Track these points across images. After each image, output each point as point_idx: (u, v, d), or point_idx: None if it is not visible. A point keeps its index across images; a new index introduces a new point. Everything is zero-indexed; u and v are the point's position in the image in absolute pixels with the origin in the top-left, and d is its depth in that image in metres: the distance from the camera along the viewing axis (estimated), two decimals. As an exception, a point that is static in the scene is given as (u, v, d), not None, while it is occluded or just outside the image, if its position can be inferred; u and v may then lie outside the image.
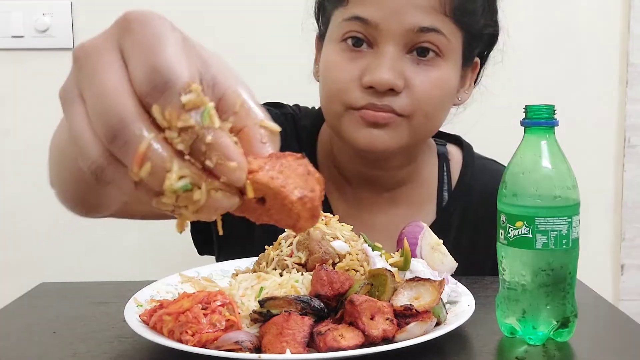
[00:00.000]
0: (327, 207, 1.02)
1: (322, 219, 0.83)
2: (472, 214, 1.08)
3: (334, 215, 0.86)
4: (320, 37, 1.04)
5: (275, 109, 1.11)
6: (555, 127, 0.70)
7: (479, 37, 1.01)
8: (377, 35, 0.93)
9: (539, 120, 0.69)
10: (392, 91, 0.93)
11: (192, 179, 0.38)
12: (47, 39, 1.71)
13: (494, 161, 1.17)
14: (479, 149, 1.20)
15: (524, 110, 0.71)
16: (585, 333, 0.72)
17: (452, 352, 0.69)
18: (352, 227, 0.85)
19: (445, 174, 1.12)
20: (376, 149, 0.96)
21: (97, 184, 0.41)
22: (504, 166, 1.11)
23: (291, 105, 1.16)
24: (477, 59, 1.05)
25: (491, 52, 1.08)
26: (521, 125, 0.71)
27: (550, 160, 0.69)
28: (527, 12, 1.75)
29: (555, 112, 0.70)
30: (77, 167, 0.47)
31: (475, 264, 0.98)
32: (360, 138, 0.95)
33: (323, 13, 1.03)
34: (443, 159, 1.13)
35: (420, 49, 0.94)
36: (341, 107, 0.96)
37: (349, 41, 0.95)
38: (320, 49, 1.03)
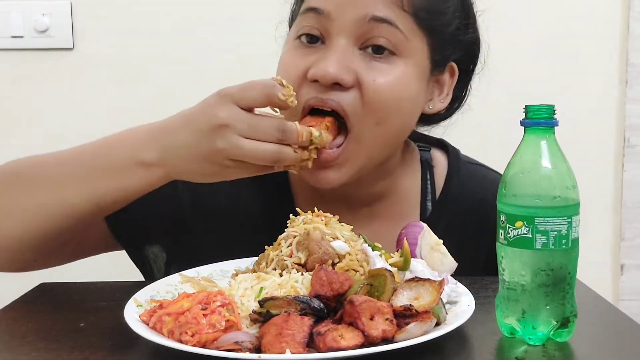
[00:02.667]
0: None
1: (322, 219, 0.83)
2: (459, 223, 1.03)
3: None
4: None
5: None
6: (555, 127, 0.70)
7: (451, 42, 0.95)
8: (329, 26, 0.89)
9: (538, 120, 0.69)
10: (339, 86, 0.88)
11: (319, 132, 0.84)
12: (47, 39, 1.71)
13: (483, 166, 1.11)
14: (478, 149, 1.19)
15: (523, 110, 0.71)
16: (585, 333, 0.72)
17: (452, 352, 0.69)
18: (351, 227, 0.85)
19: (428, 182, 1.06)
20: (327, 187, 0.92)
21: (275, 164, 0.80)
22: (494, 171, 1.10)
23: None
24: (453, 64, 0.99)
25: (477, 63, 1.03)
26: (521, 125, 0.71)
27: (550, 160, 0.69)
28: (527, 12, 1.75)
29: (555, 112, 0.70)
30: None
31: (461, 273, 0.95)
32: (308, 179, 0.92)
33: (293, 19, 1.00)
34: (426, 166, 1.07)
35: (375, 46, 0.89)
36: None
37: (303, 38, 0.92)
38: None
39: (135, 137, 0.85)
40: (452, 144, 1.14)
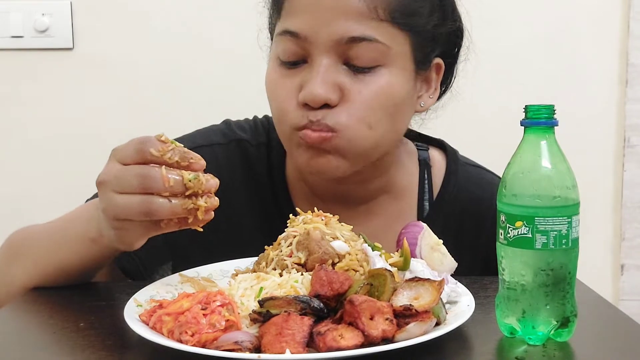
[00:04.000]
0: None
1: (322, 219, 0.83)
2: (455, 223, 1.04)
3: None
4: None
5: (245, 134, 1.08)
6: (555, 127, 0.70)
7: (432, 38, 0.95)
8: (309, 47, 0.89)
9: (538, 120, 0.69)
10: (327, 106, 0.88)
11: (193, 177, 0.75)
12: (47, 39, 1.71)
13: (481, 167, 1.12)
14: (478, 149, 1.19)
15: (523, 110, 0.71)
16: (585, 333, 0.72)
17: (452, 352, 0.69)
18: (351, 227, 0.85)
19: (426, 182, 1.07)
20: (320, 173, 0.92)
21: (150, 217, 0.74)
22: (492, 173, 1.11)
23: (260, 118, 1.12)
24: (439, 60, 0.98)
25: (460, 53, 1.03)
26: (521, 125, 0.71)
27: (550, 160, 0.69)
28: (526, 11, 1.75)
29: (555, 112, 0.70)
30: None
31: (458, 273, 0.95)
32: (304, 162, 0.92)
33: (270, 26, 1.00)
34: (424, 165, 1.08)
35: (357, 59, 0.89)
36: (288, 128, 0.92)
37: (284, 60, 0.91)
38: None
39: (87, 214, 0.87)
40: (452, 144, 1.14)
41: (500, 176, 0.72)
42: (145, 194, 0.73)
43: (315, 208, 0.86)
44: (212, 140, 1.06)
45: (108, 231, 0.79)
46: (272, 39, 1.00)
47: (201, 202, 0.75)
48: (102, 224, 0.80)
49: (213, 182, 0.76)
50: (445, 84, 1.05)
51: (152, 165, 0.74)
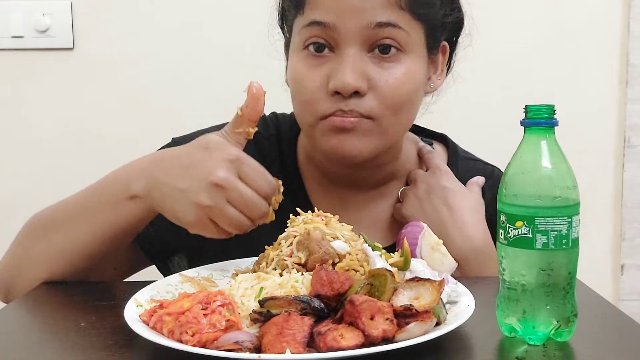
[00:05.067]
0: (310, 207, 1.03)
1: (322, 219, 0.84)
2: None
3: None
4: (287, 45, 1.04)
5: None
6: (555, 127, 0.70)
7: (441, 27, 1.01)
8: (336, 36, 0.93)
9: (538, 120, 0.69)
10: (357, 94, 0.93)
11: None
12: (47, 39, 1.71)
13: (480, 161, 1.16)
14: (478, 149, 1.20)
15: (524, 110, 0.71)
16: (585, 333, 0.72)
17: (452, 352, 0.69)
18: (352, 227, 0.85)
19: None
20: (348, 155, 0.96)
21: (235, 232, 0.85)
22: (492, 166, 1.15)
23: (267, 114, 1.15)
24: (444, 43, 1.05)
25: (460, 37, 1.08)
26: (521, 125, 0.71)
27: (550, 160, 0.69)
28: (527, 11, 1.75)
29: (555, 112, 0.70)
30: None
31: None
32: (332, 146, 0.96)
33: (286, 22, 1.04)
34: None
35: (381, 47, 0.94)
36: (312, 118, 0.96)
37: (311, 47, 0.95)
38: (288, 57, 1.03)
39: (128, 172, 0.91)
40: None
41: (501, 168, 0.73)
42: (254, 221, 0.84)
43: (319, 210, 0.87)
44: None
45: (172, 204, 0.84)
46: (286, 35, 1.04)
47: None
48: (163, 189, 0.85)
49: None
50: (447, 65, 1.10)
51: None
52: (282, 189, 0.88)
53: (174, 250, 1.10)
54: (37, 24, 1.70)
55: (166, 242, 1.05)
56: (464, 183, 1.08)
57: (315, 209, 0.86)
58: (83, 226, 0.92)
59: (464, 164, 1.12)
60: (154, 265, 1.11)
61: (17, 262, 0.97)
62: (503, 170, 1.07)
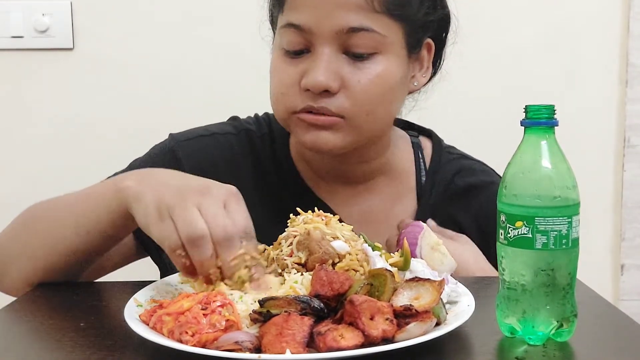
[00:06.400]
0: (315, 201, 1.04)
1: (322, 219, 0.83)
2: (440, 209, 1.10)
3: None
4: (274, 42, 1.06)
5: (250, 126, 1.14)
6: (555, 127, 0.70)
7: (423, 25, 1.01)
8: (311, 38, 0.95)
9: (538, 120, 0.69)
10: (327, 92, 0.95)
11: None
12: (47, 39, 1.71)
13: (467, 158, 1.17)
14: (478, 149, 1.20)
15: (523, 110, 0.71)
16: (585, 333, 0.72)
17: (452, 352, 0.69)
18: (352, 227, 0.85)
19: (421, 161, 1.14)
20: (322, 150, 0.98)
21: (189, 246, 0.74)
22: (475, 160, 1.16)
23: (260, 114, 1.18)
24: (429, 41, 1.05)
25: (448, 35, 1.09)
26: (521, 125, 0.71)
27: (550, 160, 0.69)
28: (527, 11, 1.75)
29: (555, 112, 0.70)
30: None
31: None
32: (306, 140, 0.98)
33: (272, 20, 1.06)
34: (417, 147, 1.15)
35: (355, 51, 0.95)
36: (285, 112, 0.99)
37: (288, 49, 0.97)
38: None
39: (124, 175, 0.89)
40: (452, 143, 1.18)
41: (501, 168, 0.73)
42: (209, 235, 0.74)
43: (316, 209, 0.86)
44: (226, 130, 1.14)
45: (148, 202, 0.79)
46: (273, 31, 1.06)
47: (220, 286, 0.75)
48: (149, 193, 0.80)
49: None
50: (435, 66, 1.11)
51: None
52: (260, 251, 0.79)
53: None
54: (36, 24, 1.70)
55: None
56: (446, 175, 1.11)
57: (315, 208, 0.86)
58: (69, 221, 0.92)
59: (446, 157, 1.14)
60: (150, 257, 1.11)
61: (5, 246, 0.98)
62: (490, 168, 1.10)
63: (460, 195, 1.11)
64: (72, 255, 0.93)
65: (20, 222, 0.99)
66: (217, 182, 0.82)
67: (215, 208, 0.76)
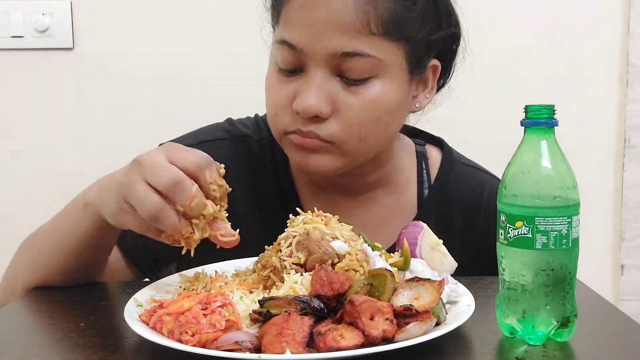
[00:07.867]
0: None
1: (322, 219, 0.83)
2: (446, 221, 1.05)
3: None
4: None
5: (247, 130, 1.11)
6: (555, 127, 0.70)
7: (426, 44, 0.96)
8: (304, 59, 0.91)
9: (538, 120, 0.69)
10: (318, 118, 0.91)
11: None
12: (47, 39, 1.71)
13: (477, 169, 1.12)
14: (478, 149, 1.20)
15: (523, 110, 0.71)
16: (585, 333, 0.72)
17: (452, 352, 0.69)
18: (351, 227, 0.85)
19: (424, 172, 1.09)
20: (313, 172, 0.96)
21: (154, 222, 0.74)
22: (488, 173, 1.12)
23: (260, 115, 1.14)
24: (435, 62, 1.00)
25: (457, 52, 1.04)
26: (521, 125, 0.71)
27: (550, 160, 0.69)
28: (527, 11, 1.75)
29: (555, 112, 0.70)
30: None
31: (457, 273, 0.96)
32: (296, 162, 0.96)
33: (273, 25, 1.02)
34: (421, 157, 1.10)
35: (348, 76, 0.91)
36: (277, 132, 0.97)
37: (282, 67, 0.94)
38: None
39: (90, 187, 0.92)
40: (452, 144, 1.15)
41: (497, 175, 0.72)
42: (164, 199, 0.73)
43: (316, 208, 0.86)
44: (217, 135, 1.09)
45: (109, 202, 0.80)
46: (274, 29, 1.02)
47: (197, 235, 0.75)
48: (106, 194, 0.81)
49: (225, 230, 0.77)
50: (442, 81, 1.06)
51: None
52: (223, 172, 0.78)
53: (164, 263, 1.07)
54: (36, 23, 1.70)
55: (157, 259, 1.05)
56: (456, 188, 1.06)
57: (315, 209, 0.86)
58: (52, 241, 0.94)
59: (457, 168, 1.09)
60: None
61: (8, 277, 1.00)
62: (499, 179, 1.07)
63: (471, 210, 1.05)
64: (71, 274, 0.93)
65: (17, 253, 1.01)
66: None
67: (156, 168, 0.73)
